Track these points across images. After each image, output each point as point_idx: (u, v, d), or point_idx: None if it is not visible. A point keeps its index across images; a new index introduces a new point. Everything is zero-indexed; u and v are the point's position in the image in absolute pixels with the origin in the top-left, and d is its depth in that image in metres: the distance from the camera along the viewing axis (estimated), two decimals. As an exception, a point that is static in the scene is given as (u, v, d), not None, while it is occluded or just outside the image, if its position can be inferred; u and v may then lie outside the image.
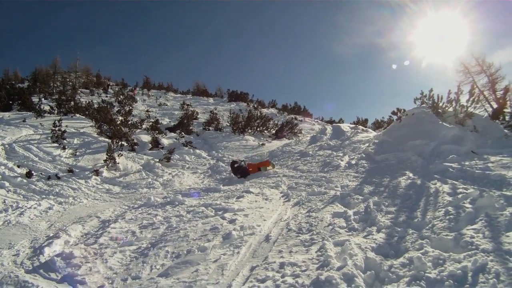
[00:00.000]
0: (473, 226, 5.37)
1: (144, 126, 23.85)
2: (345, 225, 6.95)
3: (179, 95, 51.94)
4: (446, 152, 10.04)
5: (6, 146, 15.45)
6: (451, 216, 5.97)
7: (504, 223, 5.20)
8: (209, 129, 26.13)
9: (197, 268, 5.95)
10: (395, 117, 14.80)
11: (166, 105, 38.33)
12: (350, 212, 7.51)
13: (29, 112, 22.87)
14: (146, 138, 21.29)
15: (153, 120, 25.33)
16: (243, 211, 8.88)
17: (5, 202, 10.87)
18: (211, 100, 46.65)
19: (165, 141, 21.36)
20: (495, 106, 14.68)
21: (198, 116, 29.84)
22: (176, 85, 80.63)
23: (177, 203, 10.00)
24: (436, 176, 8.40)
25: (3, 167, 13.24)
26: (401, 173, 9.29)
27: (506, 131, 11.70)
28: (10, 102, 25.41)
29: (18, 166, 13.64)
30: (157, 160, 17.43)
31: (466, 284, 4.06)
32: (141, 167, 16.41)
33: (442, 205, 6.56)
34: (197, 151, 19.92)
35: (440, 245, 5.18)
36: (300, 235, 6.80)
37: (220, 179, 14.49)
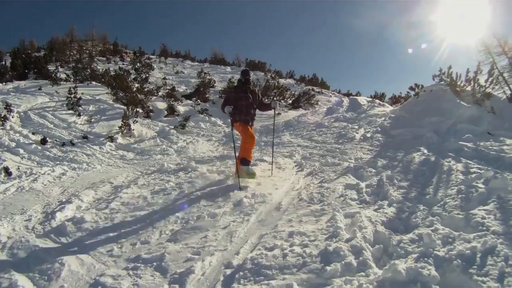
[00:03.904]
0: (485, 207, 5.24)
1: (160, 93, 23.79)
2: (356, 197, 6.90)
3: (196, 63, 51.82)
4: (462, 131, 9.86)
5: (22, 114, 15.53)
6: (463, 195, 5.85)
7: (516, 207, 5.08)
8: (225, 97, 25.77)
9: (206, 234, 5.96)
10: (412, 93, 14.61)
11: (183, 73, 38.31)
12: (363, 185, 7.44)
13: (45, 80, 23.03)
14: (162, 105, 21.31)
15: (169, 88, 25.35)
16: (256, 179, 8.91)
17: (19, 168, 10.91)
18: (228, 68, 46.42)
19: (181, 108, 21.34)
20: (513, 88, 14.43)
21: (215, 84, 29.71)
22: (194, 53, 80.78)
23: (190, 170, 10.03)
24: (450, 154, 8.25)
25: (18, 134, 13.33)
26: (415, 149, 9.15)
27: None
28: (26, 70, 25.55)
29: (33, 133, 13.71)
30: (172, 127, 17.42)
31: (474, 265, 3.96)
32: (156, 134, 16.42)
33: (455, 183, 6.44)
34: (213, 118, 19.88)
35: (450, 224, 5.09)
36: (311, 205, 6.78)
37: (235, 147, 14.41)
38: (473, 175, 6.51)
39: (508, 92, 13.66)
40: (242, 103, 9.58)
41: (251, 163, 9.54)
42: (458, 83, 12.88)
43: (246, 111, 9.63)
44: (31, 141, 13.06)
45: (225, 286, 4.41)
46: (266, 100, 23.30)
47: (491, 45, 14.82)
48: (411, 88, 14.79)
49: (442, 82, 13.47)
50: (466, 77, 12.73)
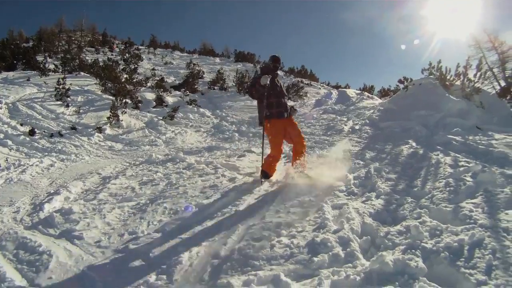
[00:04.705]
0: (473, 200, 5.28)
1: (149, 84, 23.72)
2: (344, 188, 6.90)
3: (185, 54, 51.71)
4: (450, 125, 9.95)
5: (10, 105, 15.51)
6: (451, 188, 5.89)
7: (504, 200, 5.11)
8: (214, 88, 26.02)
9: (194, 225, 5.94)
10: (401, 86, 14.67)
11: (172, 64, 38.21)
12: (350, 176, 7.45)
13: (33, 71, 22.97)
14: (150, 96, 21.29)
15: (158, 78, 25.25)
16: (244, 170, 8.94)
17: (7, 160, 10.95)
18: (217, 60, 46.36)
19: (169, 99, 21.33)
20: (503, 84, 14.52)
21: (203, 75, 29.64)
22: (183, 44, 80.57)
23: (178, 160, 10.05)
24: (439, 147, 8.31)
25: (6, 125, 13.31)
26: (404, 142, 9.24)
27: None
28: (15, 61, 25.40)
29: (21, 125, 13.70)
30: (161, 118, 17.44)
31: (462, 257, 3.98)
32: (144, 125, 16.43)
33: (443, 176, 6.49)
34: (201, 109, 19.89)
35: (438, 216, 5.11)
36: (299, 196, 6.75)
37: (223, 138, 14.51)
38: (461, 169, 6.55)
39: (498, 87, 13.77)
40: (268, 92, 7.93)
41: (271, 177, 8.10)
42: (448, 77, 12.93)
43: (277, 101, 8.00)
44: (19, 133, 13.04)
45: (212, 277, 4.41)
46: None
47: (482, 40, 14.92)
48: (400, 81, 14.90)
49: (431, 76, 13.54)
50: (455, 72, 12.79)
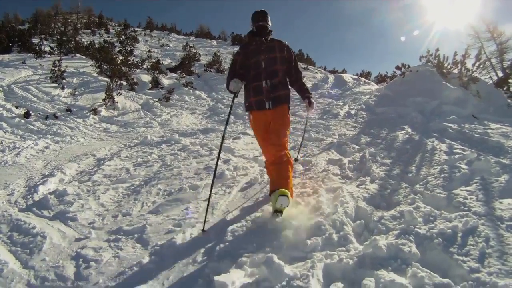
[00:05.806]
0: (467, 188, 5.26)
1: (145, 66, 23.73)
2: (339, 172, 6.92)
3: (182, 36, 51.64)
4: (447, 112, 9.99)
5: (5, 87, 15.40)
6: (446, 175, 5.88)
7: (498, 189, 5.13)
8: (210, 71, 26.08)
9: (188, 206, 5.98)
10: (398, 72, 14.66)
11: (169, 46, 38.16)
12: (345, 160, 7.49)
13: (29, 54, 22.71)
14: (146, 77, 21.25)
15: (154, 60, 25.17)
16: (238, 152, 8.95)
17: (2, 143, 10.90)
18: (214, 42, 46.39)
19: (165, 81, 21.31)
20: (500, 74, 14.54)
21: (200, 58, 29.55)
22: (180, 26, 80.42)
23: (173, 142, 10.11)
24: (434, 134, 8.33)
25: (1, 108, 13.21)
26: (399, 127, 9.26)
27: (509, 100, 11.60)
28: (10, 44, 25.23)
29: (16, 107, 13.61)
30: (156, 99, 17.45)
31: (455, 244, 3.96)
32: (140, 107, 16.43)
33: (438, 163, 6.49)
34: (197, 92, 19.86)
35: (432, 202, 5.10)
36: (293, 178, 6.61)
37: (219, 121, 14.52)
38: (457, 156, 6.55)
39: (495, 77, 13.81)
40: (250, 73, 5.75)
41: (289, 195, 5.09)
42: (445, 65, 12.93)
43: (255, 86, 5.73)
44: (14, 115, 12.98)
45: (205, 258, 4.39)
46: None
47: (480, 30, 14.96)
48: (398, 68, 14.85)
49: (428, 64, 13.52)
50: (453, 60, 12.78)
